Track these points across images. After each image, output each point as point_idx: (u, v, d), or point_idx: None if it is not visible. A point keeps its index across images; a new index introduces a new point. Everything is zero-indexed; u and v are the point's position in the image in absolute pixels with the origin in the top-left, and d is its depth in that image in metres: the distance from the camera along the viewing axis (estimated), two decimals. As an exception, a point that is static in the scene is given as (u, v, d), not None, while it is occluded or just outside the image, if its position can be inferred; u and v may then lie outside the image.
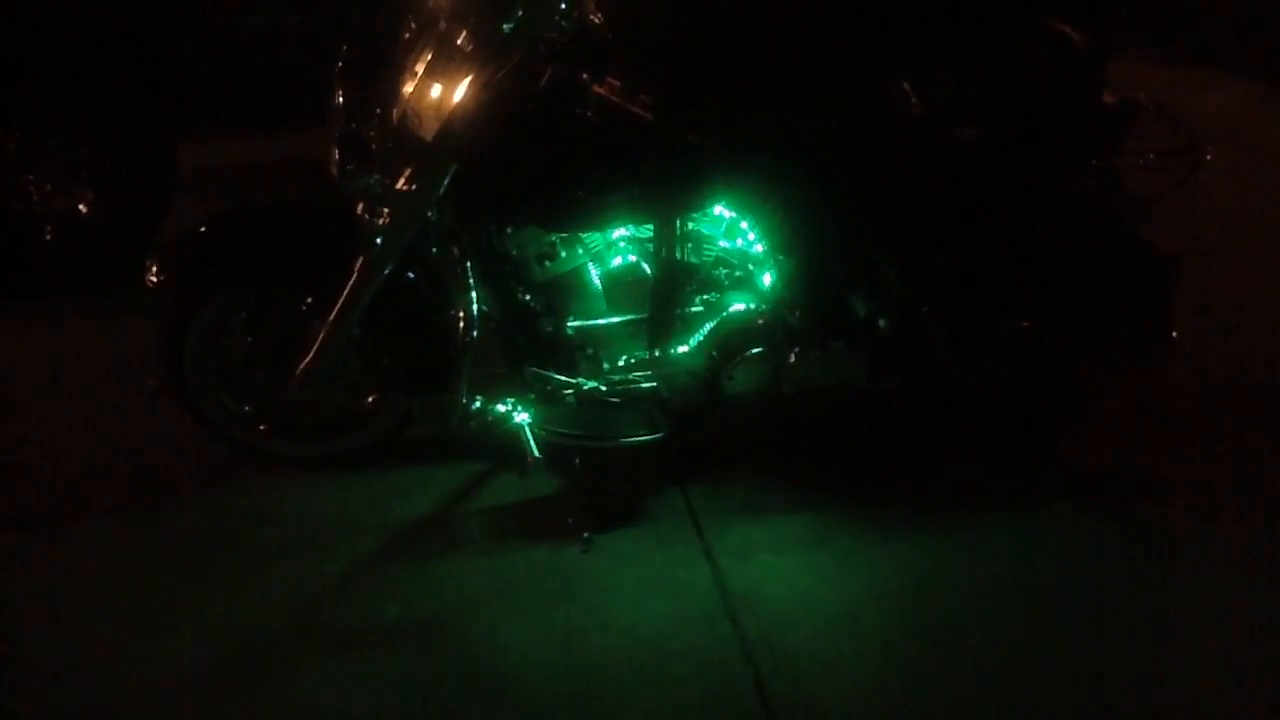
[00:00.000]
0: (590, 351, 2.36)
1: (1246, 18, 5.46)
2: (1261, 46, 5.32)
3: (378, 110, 2.10)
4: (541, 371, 2.34)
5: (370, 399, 2.48)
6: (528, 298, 2.30)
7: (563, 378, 2.34)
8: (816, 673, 2.01)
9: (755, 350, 2.37)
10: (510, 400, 2.35)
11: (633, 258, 2.34)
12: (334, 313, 2.22)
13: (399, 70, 2.10)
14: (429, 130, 2.03)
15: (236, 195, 3.71)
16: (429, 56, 2.06)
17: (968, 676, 2.01)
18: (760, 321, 2.38)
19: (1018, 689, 1.99)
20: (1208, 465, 2.60)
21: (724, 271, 2.40)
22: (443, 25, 2.05)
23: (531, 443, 2.31)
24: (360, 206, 2.16)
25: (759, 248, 2.37)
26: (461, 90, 1.99)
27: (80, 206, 3.37)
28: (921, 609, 2.17)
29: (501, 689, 1.98)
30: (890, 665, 2.04)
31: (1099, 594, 2.22)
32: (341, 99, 2.16)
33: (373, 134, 2.11)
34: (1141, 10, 5.12)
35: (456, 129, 2.00)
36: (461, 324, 2.26)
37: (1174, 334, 2.40)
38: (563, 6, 1.99)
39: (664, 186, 2.22)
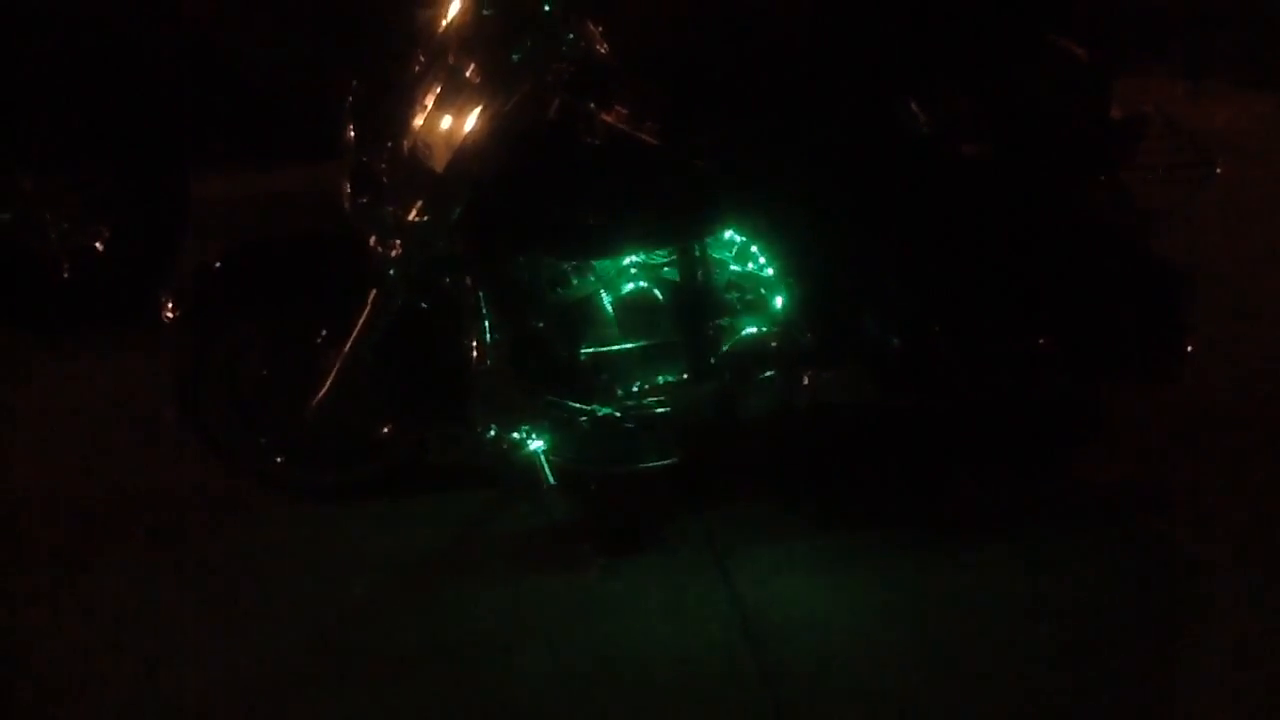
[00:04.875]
0: (604, 377, 2.36)
1: (1262, 32, 5.45)
2: (1275, 59, 5.31)
3: (389, 143, 2.12)
4: (555, 398, 2.34)
5: (385, 428, 2.49)
6: (540, 325, 2.30)
7: (577, 404, 2.34)
8: (835, 696, 2.00)
9: (768, 372, 2.37)
10: (525, 427, 2.35)
11: (644, 283, 2.34)
12: (348, 343, 2.23)
13: (409, 103, 2.12)
14: (440, 161, 2.04)
15: (249, 229, 3.74)
16: (438, 88, 2.08)
17: (985, 698, 2.00)
18: (773, 343, 2.38)
19: (1036, 710, 1.98)
20: (1218, 480, 2.58)
21: (735, 294, 2.41)
22: (451, 57, 2.07)
23: (546, 469, 2.31)
24: (373, 238, 2.17)
25: (770, 270, 2.38)
26: (471, 121, 2.01)
27: (96, 243, 3.41)
28: (938, 631, 2.16)
29: (519, 716, 1.97)
30: (909, 688, 2.02)
31: (1112, 607, 2.20)
32: (353, 132, 2.18)
33: (384, 166, 2.12)
34: (1156, 24, 5.12)
35: (467, 159, 2.02)
36: (475, 352, 2.27)
37: (1189, 348, 2.38)
38: (569, 37, 2.01)
39: (674, 212, 2.23)
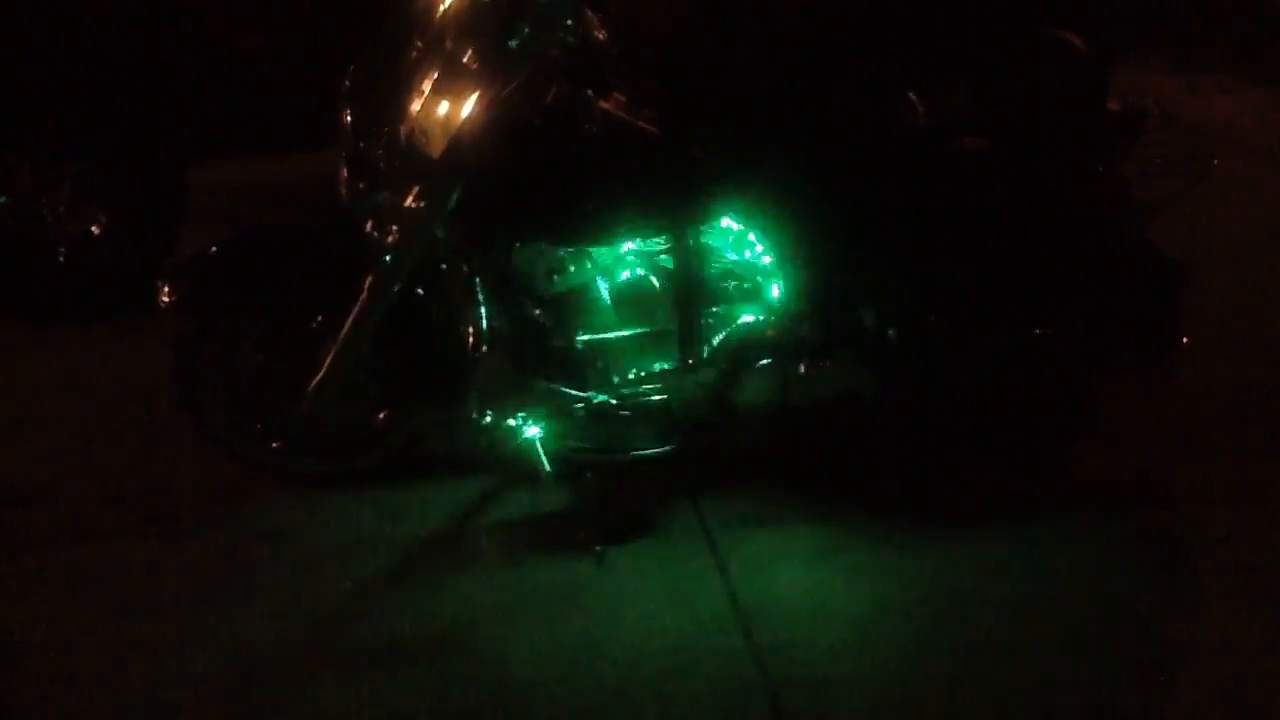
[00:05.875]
0: (600, 365, 2.36)
1: (1261, 25, 5.45)
2: (1273, 52, 5.31)
3: (385, 129, 2.12)
4: (551, 386, 2.34)
5: (381, 416, 2.49)
6: (537, 312, 2.31)
7: (573, 392, 2.34)
8: (830, 684, 2.01)
9: (764, 362, 2.38)
10: (520, 415, 2.35)
11: (641, 271, 2.34)
12: (344, 331, 2.22)
13: (406, 89, 2.12)
14: (436, 148, 2.04)
15: (246, 217, 3.74)
16: (435, 75, 2.07)
17: (979, 686, 2.00)
18: (769, 333, 2.38)
19: (1029, 698, 1.98)
20: (1218, 472, 2.58)
21: (732, 284, 2.40)
22: (449, 43, 2.07)
23: (542, 457, 2.31)
24: (369, 225, 2.17)
25: (767, 259, 2.38)
26: (468, 107, 2.00)
27: (93, 229, 3.40)
28: (933, 619, 2.16)
29: (514, 703, 1.98)
30: (903, 676, 2.03)
31: (1108, 601, 2.21)
32: (349, 119, 2.17)
33: (380, 153, 2.12)
34: (1155, 17, 5.12)
35: (464, 146, 2.01)
36: (471, 340, 2.27)
37: (1185, 340, 2.39)
38: (567, 23, 2.01)
39: (671, 200, 2.23)
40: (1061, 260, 2.34)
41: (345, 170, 2.14)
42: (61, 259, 3.39)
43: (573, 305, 2.33)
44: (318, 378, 2.28)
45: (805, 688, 2.00)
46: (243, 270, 2.36)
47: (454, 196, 2.09)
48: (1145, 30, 5.05)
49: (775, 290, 2.38)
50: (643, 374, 2.39)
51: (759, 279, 2.40)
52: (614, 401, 2.36)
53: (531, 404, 2.35)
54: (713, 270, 2.38)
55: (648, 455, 2.38)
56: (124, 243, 3.42)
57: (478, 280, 2.28)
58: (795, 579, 2.28)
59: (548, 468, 2.31)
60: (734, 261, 2.40)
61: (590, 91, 2.09)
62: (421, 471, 2.58)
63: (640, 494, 2.50)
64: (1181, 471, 2.60)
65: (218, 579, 2.30)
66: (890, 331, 2.37)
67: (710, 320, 2.40)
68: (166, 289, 2.27)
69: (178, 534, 2.43)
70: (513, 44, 2.00)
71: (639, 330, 2.36)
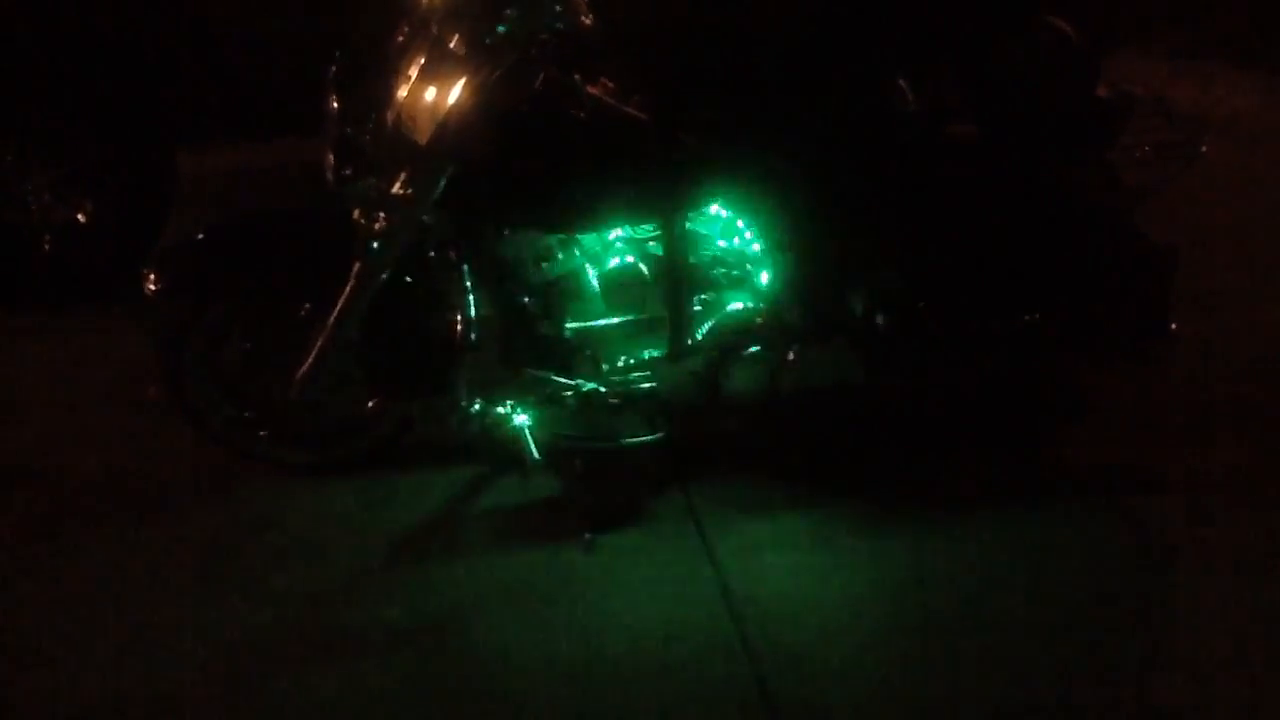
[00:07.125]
0: (588, 353, 2.35)
1: (1252, 12, 5.46)
2: (1264, 39, 5.32)
3: (372, 115, 2.10)
4: (540, 374, 2.34)
5: (370, 404, 2.48)
6: (525, 300, 2.30)
7: (561, 380, 2.34)
8: (819, 671, 2.01)
9: (753, 349, 2.38)
10: (509, 403, 2.35)
11: (630, 259, 2.33)
12: (332, 318, 2.22)
13: (392, 74, 2.10)
14: (423, 134, 2.03)
15: (234, 203, 3.73)
16: (422, 60, 2.06)
17: (969, 673, 2.01)
18: (758, 320, 2.38)
19: (1018, 686, 1.99)
20: (1207, 458, 2.58)
21: (721, 271, 2.40)
22: (435, 28, 2.05)
23: (531, 445, 2.31)
24: (356, 212, 2.16)
25: (756, 246, 2.37)
26: (455, 93, 1.99)
27: (79, 216, 3.38)
28: (922, 606, 2.16)
29: (503, 690, 1.98)
30: (892, 662, 2.03)
31: (1099, 589, 2.21)
32: (336, 104, 2.16)
33: (367, 139, 2.11)
34: (1146, 3, 5.12)
35: (451, 132, 2.00)
36: (459, 327, 2.27)
37: (1172, 326, 2.39)
38: (555, 8, 2.00)
39: (660, 186, 2.22)
40: (1050, 246, 2.34)
41: (331, 157, 2.13)
42: (48, 246, 3.37)
43: (561, 292, 2.32)
44: (305, 365, 2.27)
45: (793, 673, 2.00)
46: (230, 257, 2.35)
47: (441, 183, 2.08)
48: (1139, 16, 5.04)
49: (764, 277, 2.38)
50: (632, 362, 2.39)
51: (748, 266, 2.40)
52: (603, 389, 2.36)
53: (520, 392, 2.35)
54: (702, 257, 2.37)
55: (637, 443, 2.38)
56: (111, 230, 3.40)
57: (465, 267, 2.27)
58: (784, 565, 2.28)
59: (537, 456, 2.31)
60: (724, 248, 2.39)
61: (578, 77, 2.08)
62: (409, 460, 2.58)
63: (629, 482, 2.50)
64: (1170, 458, 2.60)
65: (207, 566, 2.29)
66: (879, 318, 2.37)
67: (699, 307, 2.39)
68: (153, 276, 2.26)
69: (167, 521, 2.43)
70: (500, 29, 1.98)
71: (628, 318, 2.36)
